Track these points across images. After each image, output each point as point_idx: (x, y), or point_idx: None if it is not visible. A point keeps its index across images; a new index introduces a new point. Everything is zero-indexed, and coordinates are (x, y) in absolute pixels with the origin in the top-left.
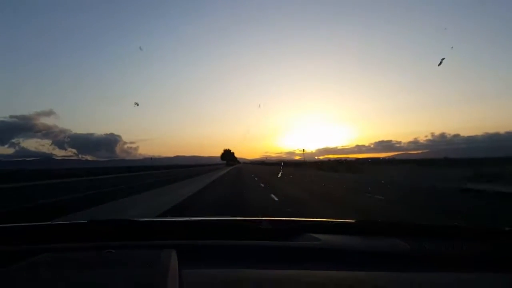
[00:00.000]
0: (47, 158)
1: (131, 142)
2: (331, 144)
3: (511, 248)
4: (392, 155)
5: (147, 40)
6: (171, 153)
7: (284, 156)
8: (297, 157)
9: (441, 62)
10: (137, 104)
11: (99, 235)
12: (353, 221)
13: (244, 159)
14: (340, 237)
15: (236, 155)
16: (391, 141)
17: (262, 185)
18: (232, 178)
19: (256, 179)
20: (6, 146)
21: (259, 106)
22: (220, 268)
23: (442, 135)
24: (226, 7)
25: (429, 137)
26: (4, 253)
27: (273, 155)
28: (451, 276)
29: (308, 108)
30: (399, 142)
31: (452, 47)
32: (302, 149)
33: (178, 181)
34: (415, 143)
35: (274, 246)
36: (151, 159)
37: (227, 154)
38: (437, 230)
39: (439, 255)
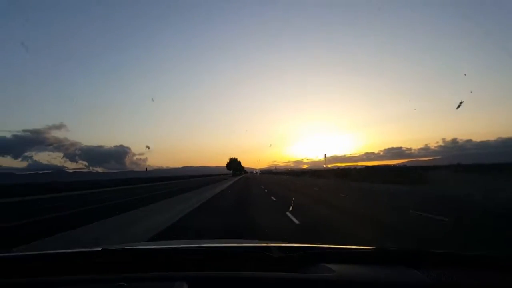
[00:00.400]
0: (59, 170)
1: (140, 154)
2: (340, 152)
3: None
4: (402, 162)
5: (156, 53)
6: (179, 164)
7: (292, 165)
8: (304, 166)
9: (459, 106)
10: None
11: (111, 263)
12: (370, 248)
13: (252, 168)
14: (356, 267)
15: (244, 164)
16: (401, 147)
17: (295, 221)
18: (236, 195)
19: (273, 198)
20: (20, 159)
21: (270, 146)
22: None
23: (454, 141)
24: (232, 20)
25: (440, 143)
26: (20, 285)
27: (281, 164)
28: None
29: (316, 116)
30: (410, 149)
31: (471, 91)
32: (307, 158)
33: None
34: (426, 150)
35: (287, 278)
36: (147, 170)
37: (233, 163)
38: (460, 259)
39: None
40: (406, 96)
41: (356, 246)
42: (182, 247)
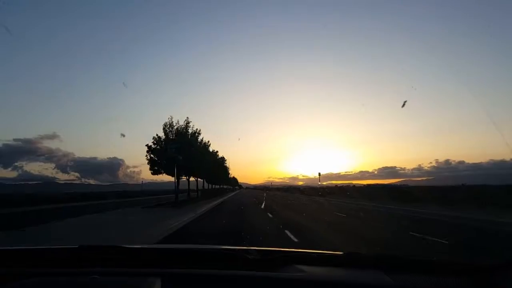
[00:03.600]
0: (50, 181)
1: (134, 166)
2: (334, 170)
3: (497, 283)
4: (396, 182)
5: (150, 66)
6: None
7: (287, 181)
8: (300, 183)
9: (404, 105)
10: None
11: (88, 260)
12: (339, 253)
13: (248, 183)
14: (326, 269)
15: (239, 180)
16: (395, 167)
17: None
18: None
19: None
20: (10, 169)
21: (239, 139)
22: None
23: (447, 162)
24: (227, 34)
25: (434, 163)
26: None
27: (276, 180)
28: None
29: (311, 133)
30: (403, 169)
31: (415, 89)
32: (302, 175)
33: None
34: (419, 170)
35: (259, 276)
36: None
37: (176, 144)
38: (424, 264)
39: None
40: (402, 117)
41: (327, 251)
42: (161, 247)
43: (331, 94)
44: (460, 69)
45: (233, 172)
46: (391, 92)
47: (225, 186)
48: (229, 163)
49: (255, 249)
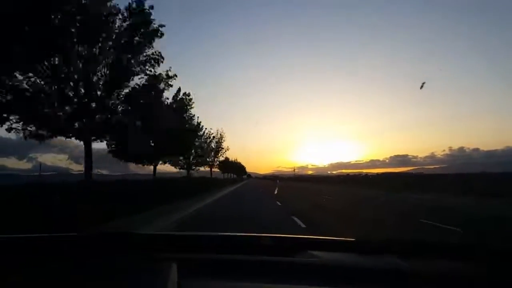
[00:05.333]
0: (64, 172)
1: None
2: (345, 159)
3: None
4: (408, 170)
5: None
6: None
7: (297, 170)
8: (309, 172)
9: (422, 86)
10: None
11: (106, 247)
12: (352, 239)
13: (256, 173)
14: (339, 254)
15: (248, 169)
16: (407, 155)
17: None
18: None
19: None
20: (25, 160)
21: (256, 123)
22: (219, 281)
23: (461, 150)
24: (240, 25)
25: (447, 151)
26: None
27: (285, 169)
28: None
29: (320, 123)
30: (416, 157)
31: (440, 69)
32: (311, 164)
33: None
34: (432, 158)
35: (273, 261)
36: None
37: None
38: (437, 249)
39: (437, 275)
40: (413, 104)
41: (340, 238)
42: (175, 233)
43: (341, 83)
44: (473, 55)
45: (241, 161)
46: (403, 81)
47: (229, 176)
48: (219, 131)
49: (268, 236)
